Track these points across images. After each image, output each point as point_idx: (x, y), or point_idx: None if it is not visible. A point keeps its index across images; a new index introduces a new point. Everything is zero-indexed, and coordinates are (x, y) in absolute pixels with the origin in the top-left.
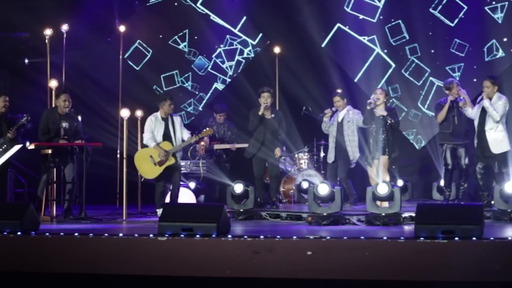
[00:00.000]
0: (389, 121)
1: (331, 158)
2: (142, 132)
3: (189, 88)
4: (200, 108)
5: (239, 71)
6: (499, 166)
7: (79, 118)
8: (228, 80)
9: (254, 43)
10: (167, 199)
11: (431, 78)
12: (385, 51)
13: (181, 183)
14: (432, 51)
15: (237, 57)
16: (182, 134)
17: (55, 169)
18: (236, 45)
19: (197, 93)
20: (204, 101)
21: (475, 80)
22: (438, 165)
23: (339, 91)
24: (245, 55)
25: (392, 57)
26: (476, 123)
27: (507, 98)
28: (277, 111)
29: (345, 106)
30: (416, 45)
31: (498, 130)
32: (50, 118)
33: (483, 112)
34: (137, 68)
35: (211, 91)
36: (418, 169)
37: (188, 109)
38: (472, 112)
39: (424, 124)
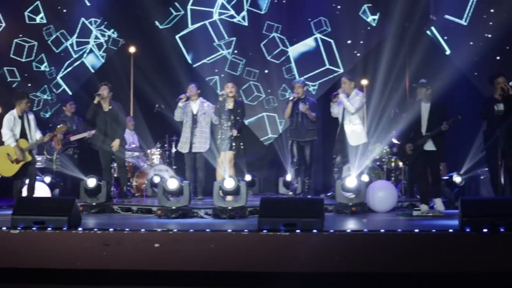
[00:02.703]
0: (235, 116)
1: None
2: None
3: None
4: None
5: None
6: (350, 157)
7: None
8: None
9: (109, 42)
10: (24, 192)
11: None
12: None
13: (37, 177)
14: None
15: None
16: (35, 132)
17: None
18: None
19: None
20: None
21: None
22: (284, 160)
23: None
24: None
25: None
26: (340, 118)
27: (364, 95)
28: (115, 102)
29: (197, 98)
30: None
31: (355, 123)
32: None
33: (344, 108)
34: None
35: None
36: (266, 164)
37: (44, 96)
38: (334, 111)
39: (270, 122)
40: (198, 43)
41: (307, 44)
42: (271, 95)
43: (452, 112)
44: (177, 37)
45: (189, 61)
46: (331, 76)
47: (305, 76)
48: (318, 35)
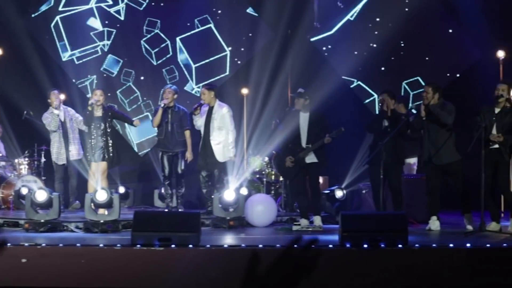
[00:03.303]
0: (105, 123)
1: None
2: None
3: None
4: None
5: None
6: (219, 173)
7: None
8: None
9: None
10: None
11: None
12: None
13: None
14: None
15: None
16: None
17: None
18: None
19: None
20: None
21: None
22: (159, 172)
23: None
24: None
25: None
26: (202, 131)
27: (229, 107)
28: None
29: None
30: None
31: (222, 138)
32: None
33: (208, 121)
34: None
35: None
36: (140, 176)
37: None
38: (197, 124)
39: (146, 132)
40: (71, 35)
41: (200, 32)
42: (150, 98)
43: (333, 122)
44: (57, 19)
45: (62, 57)
46: (218, 77)
47: (201, 63)
48: (211, 25)
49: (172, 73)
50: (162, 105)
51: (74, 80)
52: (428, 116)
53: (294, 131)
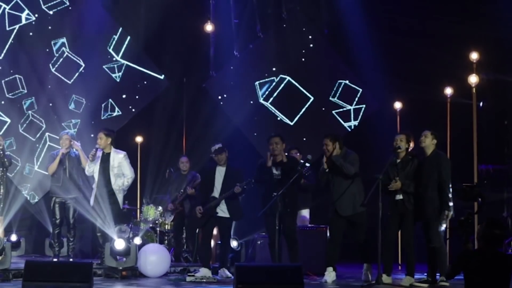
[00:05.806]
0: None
1: None
2: None
3: None
4: None
5: None
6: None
7: None
8: None
9: None
10: None
11: (47, 133)
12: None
13: None
14: (51, 104)
15: None
16: None
17: None
18: None
19: None
20: None
21: (92, 135)
22: (49, 221)
23: None
24: None
25: (7, 112)
26: (96, 178)
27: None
28: None
29: None
30: (33, 99)
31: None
32: None
33: (105, 168)
34: None
35: None
36: (32, 224)
37: None
38: (89, 170)
39: (39, 179)
40: None
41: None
42: (53, 130)
43: None
44: None
45: None
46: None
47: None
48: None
49: (80, 105)
50: (63, 152)
51: None
52: (331, 168)
53: (208, 181)
